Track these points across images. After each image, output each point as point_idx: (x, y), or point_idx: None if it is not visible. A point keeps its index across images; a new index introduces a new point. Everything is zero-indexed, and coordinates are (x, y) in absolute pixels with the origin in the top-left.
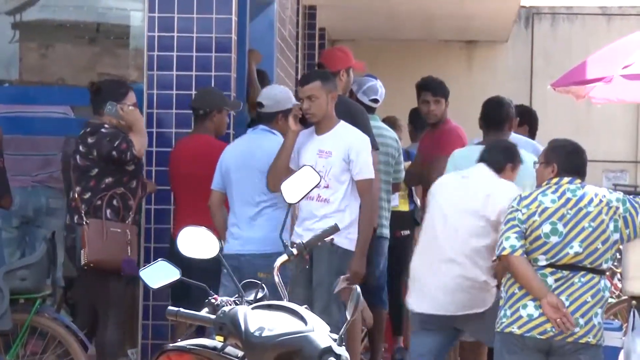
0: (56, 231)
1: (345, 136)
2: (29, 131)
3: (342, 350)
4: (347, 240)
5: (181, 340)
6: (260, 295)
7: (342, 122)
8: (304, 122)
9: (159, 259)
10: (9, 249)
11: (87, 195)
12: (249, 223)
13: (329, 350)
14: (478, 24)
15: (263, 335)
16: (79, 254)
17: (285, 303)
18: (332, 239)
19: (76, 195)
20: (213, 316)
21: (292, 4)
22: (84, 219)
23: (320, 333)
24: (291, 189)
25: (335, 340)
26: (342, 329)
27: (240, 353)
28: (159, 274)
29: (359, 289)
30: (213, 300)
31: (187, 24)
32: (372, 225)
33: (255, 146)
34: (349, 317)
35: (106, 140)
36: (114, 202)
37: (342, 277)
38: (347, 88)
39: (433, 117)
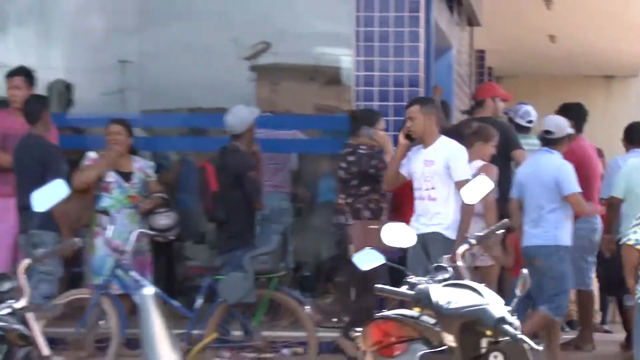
0: (287, 227)
1: (444, 148)
2: (267, 149)
3: (514, 320)
4: (453, 232)
5: (387, 311)
6: (447, 275)
7: (442, 137)
8: (411, 138)
9: (367, 247)
10: None
11: (350, 201)
12: (536, 223)
13: (503, 319)
14: (614, 62)
15: (450, 307)
16: (348, 247)
17: (467, 282)
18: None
19: (341, 201)
20: (411, 292)
21: (466, 48)
22: (349, 219)
23: (496, 306)
24: (469, 193)
25: (508, 311)
26: (513, 303)
27: (432, 321)
28: (368, 259)
29: (526, 271)
30: (410, 279)
31: (385, 65)
32: (472, 217)
33: (540, 164)
34: (518, 294)
35: (365, 159)
36: (371, 205)
37: (445, 256)
38: (495, 112)
39: None
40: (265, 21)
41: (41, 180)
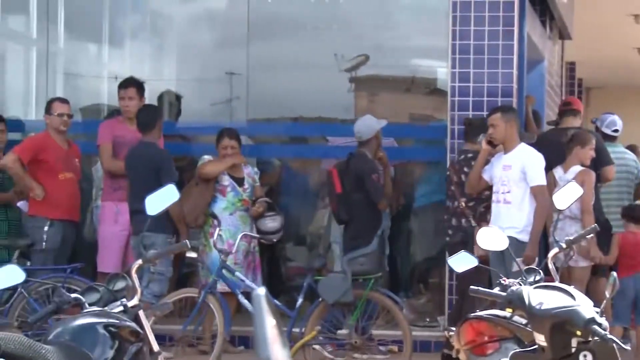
0: (384, 230)
1: (521, 154)
2: None
3: (603, 320)
4: (526, 235)
5: (480, 311)
6: (537, 277)
7: (522, 143)
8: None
9: (462, 250)
10: None
11: (472, 204)
12: None
13: (592, 320)
14: None
15: (542, 308)
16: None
17: (557, 284)
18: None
19: (462, 204)
20: (504, 294)
21: (557, 60)
22: (472, 222)
23: (586, 307)
24: (560, 199)
25: (597, 312)
26: (602, 305)
27: (524, 321)
28: (463, 262)
29: (615, 274)
30: (503, 282)
31: (479, 77)
32: (544, 220)
33: None
34: (608, 296)
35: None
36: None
37: (518, 259)
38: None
39: None
40: (364, 36)
41: (153, 185)
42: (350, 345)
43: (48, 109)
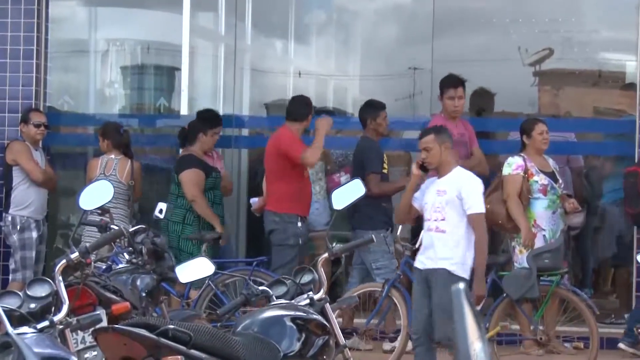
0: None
1: (458, 179)
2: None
3: None
4: (462, 268)
5: None
6: None
7: (458, 167)
8: (426, 169)
9: None
10: None
11: None
12: None
13: None
14: None
15: None
16: None
17: None
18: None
19: None
20: None
21: None
22: None
23: None
24: None
25: None
26: None
27: None
28: None
29: None
30: None
31: None
32: (486, 253)
33: None
34: None
35: None
36: None
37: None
38: None
39: None
40: (550, 29)
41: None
42: (536, 342)
43: None
